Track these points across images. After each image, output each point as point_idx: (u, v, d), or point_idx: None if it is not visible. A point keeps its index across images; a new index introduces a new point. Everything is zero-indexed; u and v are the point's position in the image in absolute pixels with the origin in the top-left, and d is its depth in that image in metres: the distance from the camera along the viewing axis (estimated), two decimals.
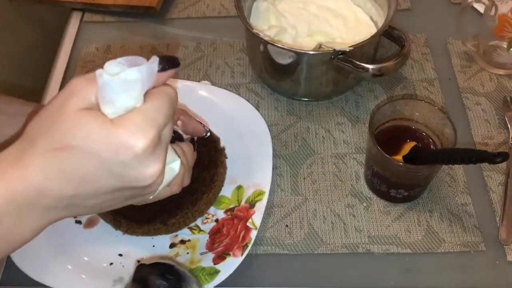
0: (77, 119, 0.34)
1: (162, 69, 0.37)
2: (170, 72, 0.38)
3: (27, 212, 0.36)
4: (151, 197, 0.42)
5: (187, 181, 0.48)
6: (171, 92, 0.38)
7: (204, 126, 0.55)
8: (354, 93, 0.74)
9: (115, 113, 0.35)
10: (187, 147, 0.47)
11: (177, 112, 0.53)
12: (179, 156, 0.44)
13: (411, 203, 0.63)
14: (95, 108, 0.36)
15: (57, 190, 0.36)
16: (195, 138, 0.54)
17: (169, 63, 0.38)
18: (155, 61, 0.37)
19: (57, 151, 0.35)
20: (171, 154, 0.43)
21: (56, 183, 0.35)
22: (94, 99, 0.36)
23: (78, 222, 0.62)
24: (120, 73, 0.34)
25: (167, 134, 0.38)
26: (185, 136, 0.51)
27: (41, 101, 0.75)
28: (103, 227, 0.62)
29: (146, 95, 0.37)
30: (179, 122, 0.51)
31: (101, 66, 0.36)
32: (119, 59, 0.35)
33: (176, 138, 0.47)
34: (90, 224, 0.62)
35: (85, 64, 0.79)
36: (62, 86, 0.77)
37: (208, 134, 0.55)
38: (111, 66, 0.35)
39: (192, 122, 0.54)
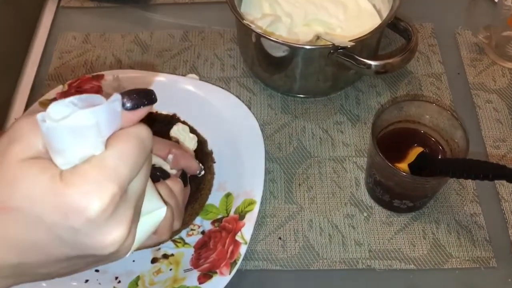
0: (18, 173, 0.28)
1: (133, 107, 0.30)
2: (143, 110, 0.31)
3: None
4: (127, 256, 0.34)
5: (177, 225, 0.40)
6: (143, 134, 0.31)
7: (198, 163, 0.48)
8: (355, 89, 0.68)
9: (68, 163, 0.28)
10: (175, 185, 0.40)
11: (168, 144, 0.45)
12: (164, 200, 0.37)
13: (415, 213, 0.58)
14: (45, 156, 0.29)
15: None
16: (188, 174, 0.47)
17: (140, 99, 0.30)
18: (116, 100, 0.29)
19: None
20: (154, 199, 0.36)
21: None
22: (41, 146, 0.29)
23: None
24: (68, 117, 0.27)
25: (137, 187, 0.31)
26: (174, 171, 0.43)
27: (11, 99, 0.69)
28: None
29: (110, 139, 0.30)
30: (170, 156, 0.44)
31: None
32: (71, 98, 0.28)
33: (161, 176, 0.40)
34: None
35: (62, 55, 0.72)
36: (35, 81, 0.70)
37: (202, 172, 0.48)
38: (58, 107, 0.27)
39: (186, 157, 0.47)
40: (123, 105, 0.30)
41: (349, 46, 0.56)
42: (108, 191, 0.28)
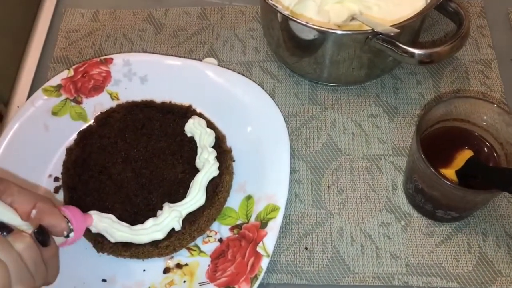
0: None
1: None
2: None
3: None
4: None
5: None
6: None
7: (68, 222, 0.40)
8: (392, 77, 0.61)
9: None
10: (18, 241, 0.35)
11: (35, 197, 0.38)
12: None
13: (460, 223, 0.51)
14: None
15: None
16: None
17: None
18: None
19: None
20: None
21: None
22: None
23: None
24: None
25: None
26: (28, 227, 0.37)
27: (14, 83, 0.63)
28: (84, 245, 0.51)
29: None
30: (34, 211, 0.38)
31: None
32: None
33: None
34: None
35: (68, 35, 0.66)
36: (39, 63, 0.65)
37: (71, 235, 0.40)
38: None
39: (52, 214, 0.39)
40: None
41: (392, 34, 0.48)
42: None
